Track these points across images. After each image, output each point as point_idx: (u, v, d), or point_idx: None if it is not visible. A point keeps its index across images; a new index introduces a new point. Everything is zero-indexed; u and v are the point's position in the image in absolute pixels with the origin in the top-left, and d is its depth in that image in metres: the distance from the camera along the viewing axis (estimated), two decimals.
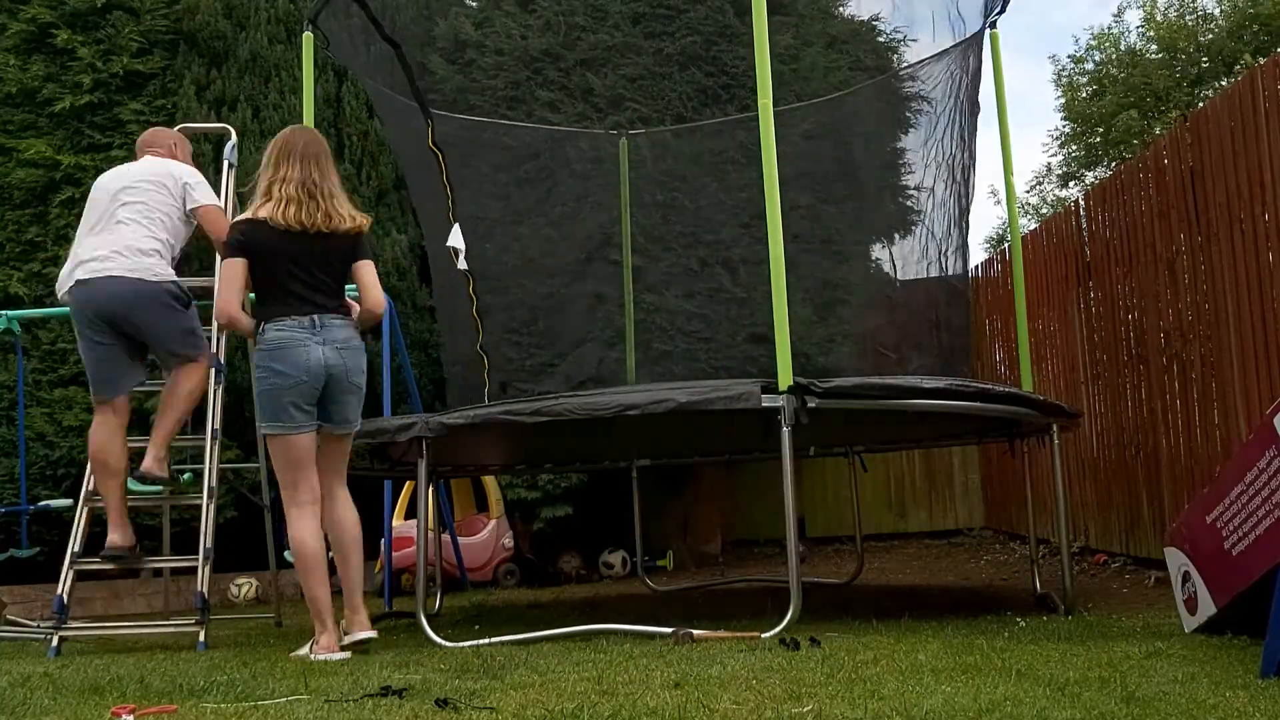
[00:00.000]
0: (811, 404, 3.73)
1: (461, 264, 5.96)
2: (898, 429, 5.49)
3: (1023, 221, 21.49)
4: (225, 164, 5.09)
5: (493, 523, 7.09)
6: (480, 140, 6.64)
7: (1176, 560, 3.40)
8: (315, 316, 3.61)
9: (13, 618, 5.17)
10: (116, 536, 4.36)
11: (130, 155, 7.20)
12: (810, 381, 3.80)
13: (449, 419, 4.09)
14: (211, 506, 4.50)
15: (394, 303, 5.97)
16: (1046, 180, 21.38)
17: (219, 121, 7.11)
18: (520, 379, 6.64)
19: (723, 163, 6.80)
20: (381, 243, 7.21)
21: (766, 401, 3.75)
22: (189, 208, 4.41)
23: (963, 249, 5.86)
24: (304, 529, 3.69)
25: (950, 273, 5.89)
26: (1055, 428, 4.68)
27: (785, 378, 3.79)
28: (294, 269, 3.63)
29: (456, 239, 5.91)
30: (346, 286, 3.84)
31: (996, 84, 5.35)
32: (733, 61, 7.11)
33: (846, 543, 8.12)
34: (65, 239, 7.01)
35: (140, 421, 6.70)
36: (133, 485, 5.92)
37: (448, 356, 6.98)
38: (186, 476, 5.81)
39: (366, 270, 3.78)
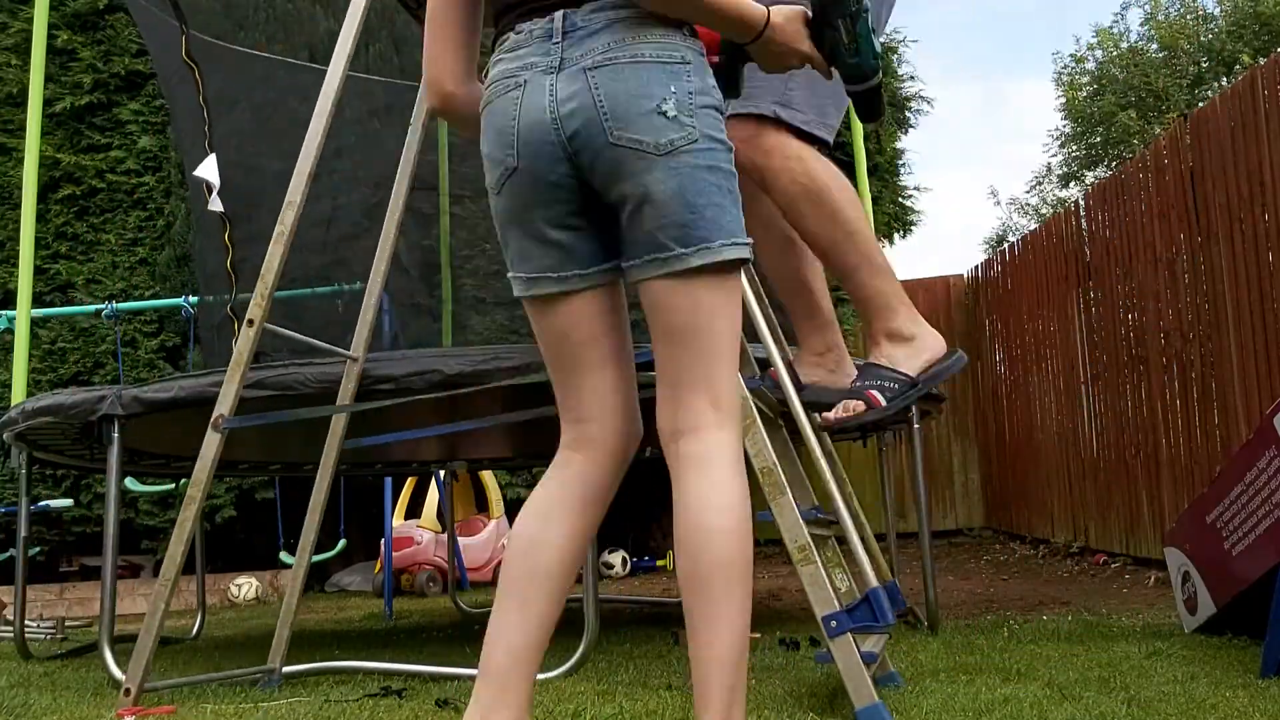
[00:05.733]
0: None
1: (215, 204, 4.68)
2: None
3: (1022, 222, 21.52)
4: None
5: (493, 523, 7.09)
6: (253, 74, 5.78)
7: (1176, 560, 3.40)
8: (559, 16, 1.64)
9: (11, 617, 5.17)
10: None
11: (128, 155, 7.26)
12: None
13: (145, 392, 3.26)
14: None
15: None
16: (1046, 180, 21.37)
17: (212, 123, 7.11)
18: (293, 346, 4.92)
19: None
20: None
21: None
22: None
23: None
24: (532, 496, 1.76)
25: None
26: (915, 411, 3.89)
27: None
28: None
29: (209, 171, 4.74)
30: None
31: None
32: None
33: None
34: (64, 236, 7.02)
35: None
36: (132, 485, 5.94)
37: (205, 317, 5.83)
38: (184, 481, 5.81)
39: None
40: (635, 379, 1.76)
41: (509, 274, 1.73)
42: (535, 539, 1.67)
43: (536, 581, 1.66)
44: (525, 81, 1.63)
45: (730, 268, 1.63)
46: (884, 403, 2.39)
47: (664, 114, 1.58)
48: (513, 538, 1.70)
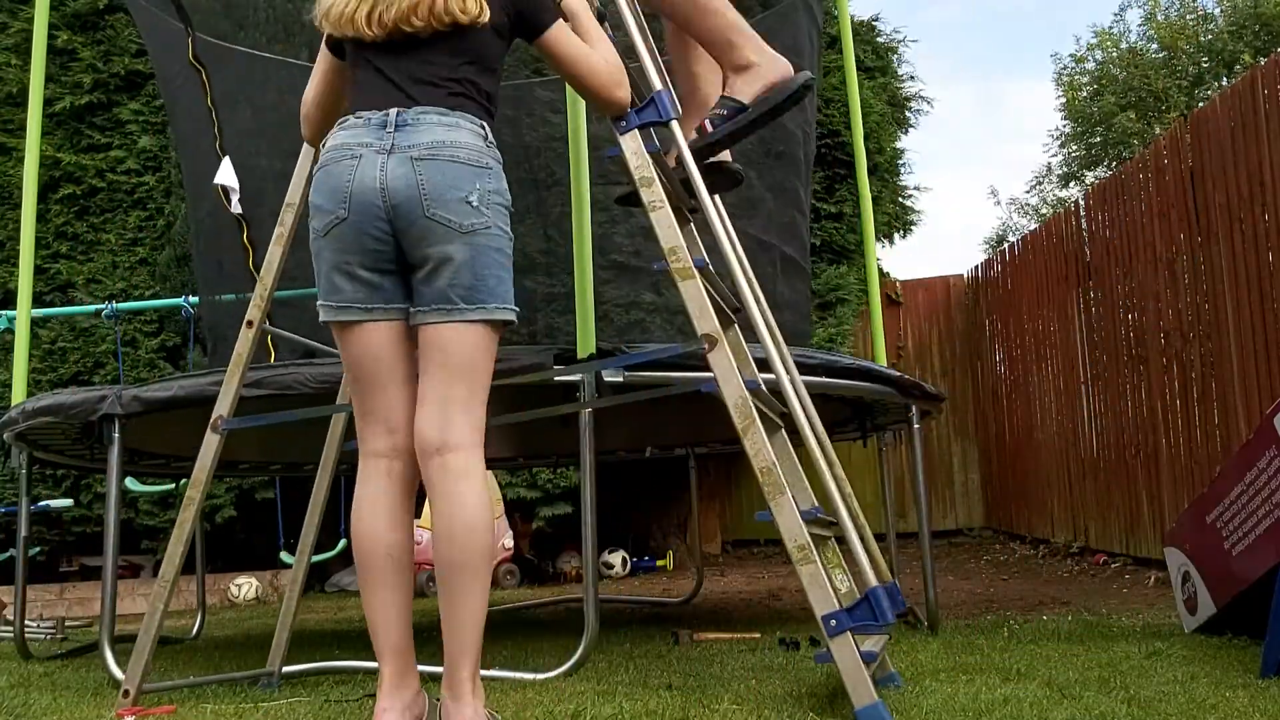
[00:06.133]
0: (617, 377, 2.91)
1: (235, 207, 4.83)
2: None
3: (1023, 222, 21.51)
4: None
5: (493, 523, 7.09)
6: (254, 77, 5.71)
7: (1176, 560, 3.40)
8: (393, 112, 2.11)
9: (11, 617, 5.17)
10: None
11: (128, 155, 7.25)
12: (619, 345, 3.12)
13: (145, 392, 3.28)
14: None
15: None
16: (1046, 180, 21.37)
17: (217, 121, 7.11)
18: (292, 346, 4.72)
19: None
20: None
21: (563, 373, 2.96)
22: None
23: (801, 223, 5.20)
24: (362, 499, 2.19)
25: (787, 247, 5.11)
26: (915, 411, 3.90)
27: (587, 343, 3.03)
28: (371, 64, 2.20)
29: (227, 176, 4.87)
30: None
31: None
32: None
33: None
34: (64, 236, 7.01)
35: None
36: (132, 485, 5.94)
37: (208, 317, 5.76)
38: (184, 481, 5.81)
39: (564, 41, 2.28)
40: None
41: (318, 303, 2.15)
42: (392, 541, 2.15)
43: (402, 572, 2.15)
44: (360, 156, 2.09)
45: (497, 325, 2.13)
46: (710, 129, 2.66)
47: (469, 203, 2.08)
48: (364, 538, 2.15)
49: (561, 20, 2.29)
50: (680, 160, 2.60)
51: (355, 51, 2.23)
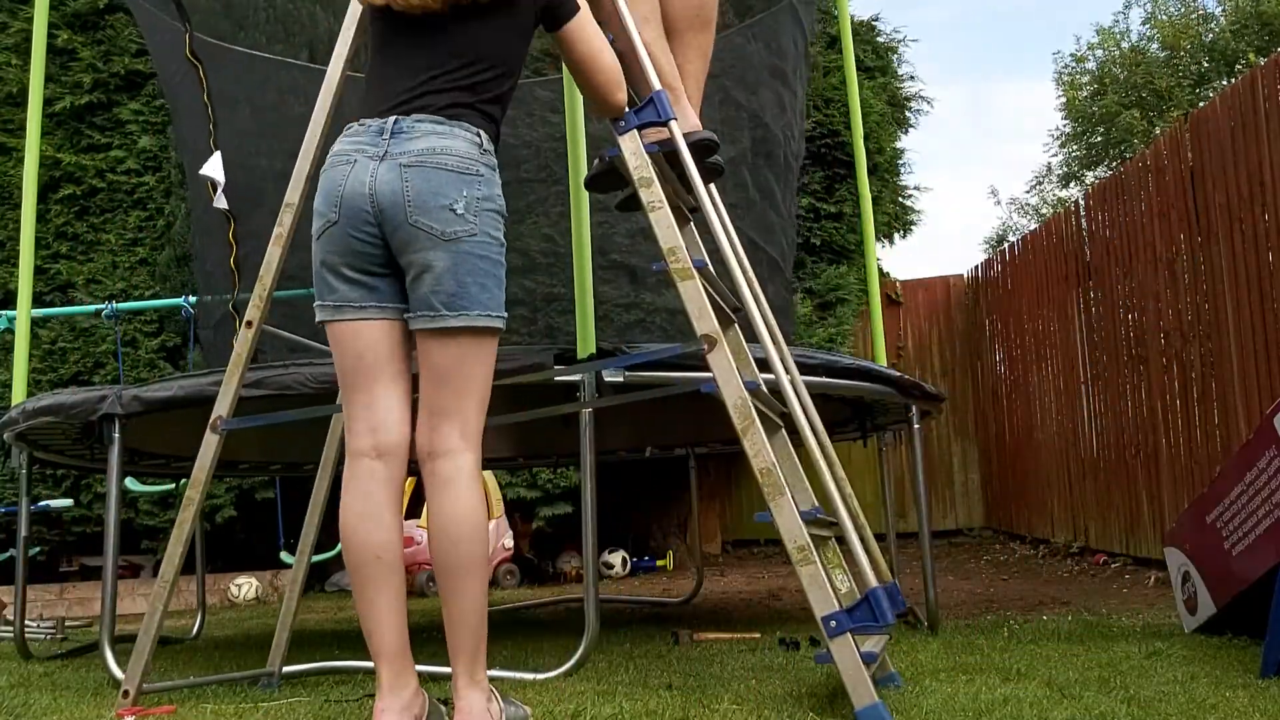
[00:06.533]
0: (617, 377, 2.89)
1: (220, 201, 4.81)
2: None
3: (1023, 222, 21.52)
4: None
5: (493, 523, 7.09)
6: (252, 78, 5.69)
7: (1176, 560, 3.40)
8: (390, 120, 2.14)
9: (11, 617, 5.17)
10: None
11: (128, 155, 7.25)
12: (619, 345, 3.13)
13: (145, 392, 3.27)
14: None
15: None
16: (1046, 180, 21.37)
17: (216, 121, 7.11)
18: (291, 345, 4.57)
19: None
20: None
21: (564, 373, 2.96)
22: None
23: (785, 227, 5.21)
24: (347, 502, 2.12)
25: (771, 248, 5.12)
26: (915, 411, 3.89)
27: (588, 343, 3.05)
28: (391, 45, 2.24)
29: (214, 169, 4.86)
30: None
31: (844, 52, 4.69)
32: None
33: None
34: (64, 236, 7.01)
35: None
36: (132, 485, 5.94)
37: (205, 316, 5.65)
38: (184, 481, 5.81)
39: (584, 35, 2.32)
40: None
41: (315, 304, 2.17)
42: (380, 542, 2.07)
43: (393, 573, 2.08)
44: (355, 161, 2.12)
45: (484, 332, 2.11)
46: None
47: (453, 210, 2.08)
48: (352, 542, 2.07)
49: (583, 13, 2.28)
50: (678, 158, 2.59)
51: (381, 37, 2.21)
